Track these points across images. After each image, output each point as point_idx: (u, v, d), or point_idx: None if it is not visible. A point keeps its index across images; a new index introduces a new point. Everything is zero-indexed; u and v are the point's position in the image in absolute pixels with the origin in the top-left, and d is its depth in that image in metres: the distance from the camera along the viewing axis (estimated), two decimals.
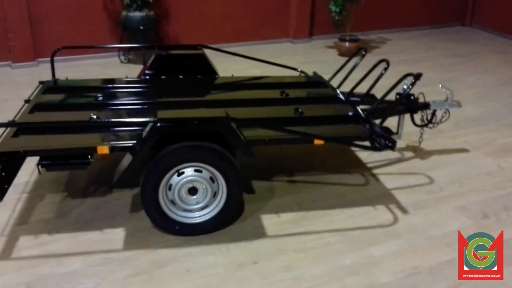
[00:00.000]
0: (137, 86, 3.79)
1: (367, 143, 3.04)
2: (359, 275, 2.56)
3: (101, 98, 3.48)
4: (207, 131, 2.66)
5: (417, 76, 3.67)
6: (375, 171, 3.65)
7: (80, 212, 3.05)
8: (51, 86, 3.74)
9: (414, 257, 2.70)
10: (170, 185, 2.72)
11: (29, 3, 6.14)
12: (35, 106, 3.32)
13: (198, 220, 2.82)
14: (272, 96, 3.65)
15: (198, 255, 2.67)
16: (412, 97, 3.69)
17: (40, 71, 6.21)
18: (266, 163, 3.73)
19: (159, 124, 2.54)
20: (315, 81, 4.07)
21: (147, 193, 2.67)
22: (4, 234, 2.82)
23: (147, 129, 2.61)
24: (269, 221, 3.00)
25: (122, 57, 6.59)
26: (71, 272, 2.52)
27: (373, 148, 3.00)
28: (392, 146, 2.94)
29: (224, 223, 2.88)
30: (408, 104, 3.67)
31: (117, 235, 2.83)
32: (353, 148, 3.86)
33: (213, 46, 7.16)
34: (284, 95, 3.68)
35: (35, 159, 2.67)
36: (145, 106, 3.41)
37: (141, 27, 6.19)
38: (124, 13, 6.30)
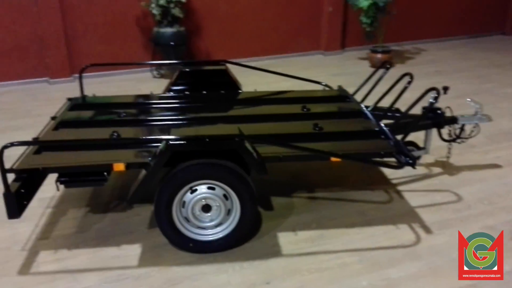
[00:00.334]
0: (160, 102, 3.84)
1: (386, 160, 2.94)
2: None
3: (123, 114, 3.55)
4: (219, 149, 2.64)
5: (444, 89, 3.57)
6: (400, 187, 3.54)
7: (100, 228, 3.09)
8: (77, 103, 3.83)
9: (433, 281, 2.58)
10: (184, 202, 2.72)
11: (65, 22, 6.37)
12: (60, 123, 3.40)
13: (212, 238, 2.80)
14: (292, 111, 3.61)
15: (211, 274, 2.65)
16: (439, 111, 3.57)
17: (76, 87, 6.34)
18: (287, 178, 3.69)
19: (170, 142, 2.55)
20: (339, 95, 4.01)
21: (160, 210, 2.68)
22: (25, 249, 2.89)
23: (161, 146, 2.62)
24: (285, 239, 2.95)
25: (155, 72, 6.72)
26: None
27: (391, 165, 2.90)
28: (412, 163, 2.84)
29: (239, 241, 2.85)
30: (434, 118, 3.56)
31: (133, 251, 2.85)
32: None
33: (243, 60, 7.30)
34: (305, 110, 3.63)
35: (56, 175, 2.74)
36: (166, 122, 3.43)
37: (172, 43, 6.29)
38: (155, 29, 6.44)
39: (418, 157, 3.79)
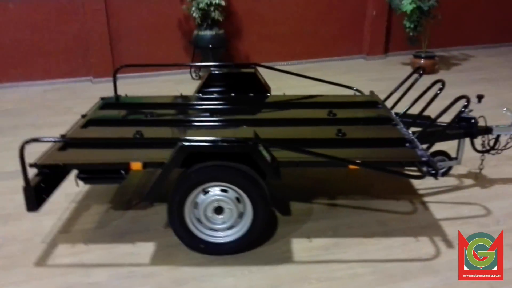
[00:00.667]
0: (188, 103, 3.89)
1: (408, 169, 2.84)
2: None
3: (150, 115, 3.61)
4: (233, 152, 2.63)
5: (479, 98, 3.42)
6: (426, 198, 3.41)
7: (118, 224, 3.16)
8: (109, 102, 3.94)
9: None
10: (196, 203, 2.72)
11: (110, 24, 6.57)
12: (89, 121, 3.51)
13: (223, 240, 2.79)
14: (318, 116, 3.56)
15: (218, 276, 2.64)
16: (472, 120, 3.41)
17: (118, 86, 6.58)
18: (309, 184, 3.63)
19: (183, 143, 2.57)
20: (369, 101, 3.91)
21: (173, 210, 2.70)
22: (45, 241, 2.98)
23: (176, 147, 2.64)
24: (299, 245, 2.90)
25: (193, 74, 6.80)
26: (95, 283, 2.61)
27: (411, 175, 2.79)
28: (435, 174, 2.73)
29: (250, 245, 2.82)
30: (466, 128, 3.40)
31: (146, 249, 2.89)
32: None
33: (283, 63, 7.28)
34: (331, 115, 3.57)
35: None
36: (190, 124, 3.47)
37: (210, 46, 6.35)
38: (195, 32, 6.52)
39: (450, 168, 3.66)
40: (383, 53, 7.77)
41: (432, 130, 3.26)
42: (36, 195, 2.65)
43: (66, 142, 3.06)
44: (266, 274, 2.66)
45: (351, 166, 2.77)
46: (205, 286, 2.57)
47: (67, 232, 3.08)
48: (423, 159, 2.80)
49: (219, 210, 2.75)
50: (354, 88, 4.20)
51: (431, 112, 3.37)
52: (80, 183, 2.80)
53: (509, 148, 3.48)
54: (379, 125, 3.43)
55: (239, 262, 2.75)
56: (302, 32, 7.42)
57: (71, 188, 3.32)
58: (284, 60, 7.44)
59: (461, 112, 3.12)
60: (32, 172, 2.68)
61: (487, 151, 3.51)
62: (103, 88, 6.38)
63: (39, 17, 6.38)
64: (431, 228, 3.05)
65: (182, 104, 3.87)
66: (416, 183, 3.60)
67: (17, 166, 2.52)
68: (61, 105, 5.76)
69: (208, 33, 6.39)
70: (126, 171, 2.80)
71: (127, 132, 3.25)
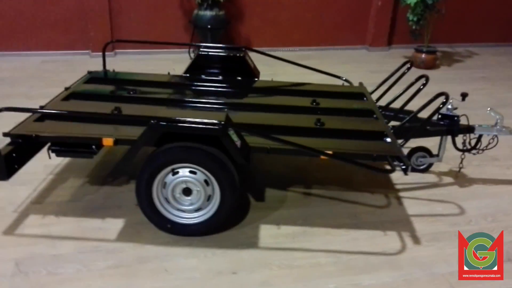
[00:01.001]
0: (172, 82, 3.88)
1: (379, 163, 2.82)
2: None
3: (132, 92, 3.61)
4: (200, 133, 2.62)
5: (463, 96, 3.38)
6: (402, 193, 3.39)
7: (92, 199, 3.18)
8: (95, 76, 3.94)
9: None
10: (165, 183, 2.73)
11: None
12: (71, 94, 3.51)
13: (190, 221, 2.80)
14: (300, 104, 3.54)
15: (182, 257, 2.66)
16: (455, 118, 3.38)
17: (115, 61, 6.58)
18: (288, 171, 3.63)
19: (152, 122, 2.57)
20: (355, 92, 3.88)
21: (141, 189, 2.71)
22: (17, 211, 3.01)
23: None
24: (267, 231, 2.91)
25: (192, 54, 6.77)
26: (60, 255, 2.63)
27: (380, 169, 2.77)
28: (405, 169, 2.70)
29: (217, 228, 2.83)
30: (448, 125, 3.37)
31: (115, 225, 2.91)
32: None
33: (284, 49, 7.23)
34: (314, 104, 3.54)
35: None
36: (170, 103, 3.47)
37: (209, 26, 6.31)
38: (196, 11, 6.48)
39: (430, 165, 3.64)
40: (386, 45, 7.69)
41: (412, 126, 3.23)
42: (7, 164, 2.66)
43: (44, 114, 3.07)
44: (228, 257, 2.67)
45: (322, 156, 2.76)
46: (166, 266, 2.59)
47: (40, 203, 3.11)
48: (395, 153, 2.78)
49: (187, 192, 2.76)
50: (343, 78, 4.16)
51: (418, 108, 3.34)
52: (50, 154, 2.81)
53: (490, 148, 3.44)
54: (360, 117, 3.41)
55: (204, 244, 2.77)
56: (305, 18, 7.35)
57: (51, 160, 3.36)
58: (285, 46, 7.39)
59: (438, 108, 3.08)
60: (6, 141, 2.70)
61: (468, 150, 3.48)
62: (101, 62, 6.38)
63: None
64: (401, 224, 3.04)
65: (167, 83, 3.86)
66: (395, 177, 3.58)
67: None
68: (56, 77, 5.77)
69: (208, 13, 6.35)
70: (98, 146, 2.81)
71: (107, 107, 3.24)
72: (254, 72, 4.03)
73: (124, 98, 3.53)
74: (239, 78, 3.95)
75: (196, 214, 2.81)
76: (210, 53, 4.04)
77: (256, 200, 3.23)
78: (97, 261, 2.60)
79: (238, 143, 2.65)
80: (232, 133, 2.63)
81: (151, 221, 2.82)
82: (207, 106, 3.46)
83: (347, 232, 2.93)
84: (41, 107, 3.21)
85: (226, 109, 3.42)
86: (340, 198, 3.29)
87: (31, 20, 6.48)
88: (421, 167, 3.66)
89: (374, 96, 3.78)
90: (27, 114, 3.00)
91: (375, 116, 3.39)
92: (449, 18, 7.22)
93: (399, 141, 2.99)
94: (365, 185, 3.46)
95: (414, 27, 6.56)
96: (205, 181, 2.72)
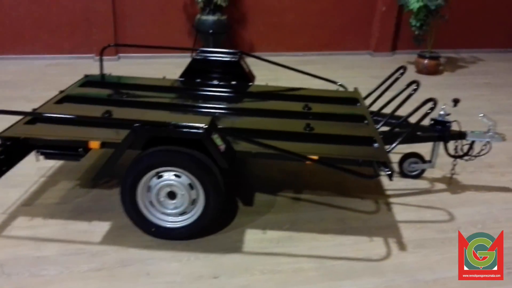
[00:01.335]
0: (167, 87, 3.90)
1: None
2: None
3: (125, 95, 3.64)
4: (183, 137, 2.63)
5: (455, 102, 3.36)
6: (392, 199, 3.37)
7: (81, 202, 3.20)
8: (91, 80, 3.98)
9: None
10: (149, 187, 2.74)
11: (115, 2, 6.60)
12: (65, 97, 3.55)
13: (175, 225, 2.81)
14: (291, 109, 3.53)
15: (164, 260, 2.67)
16: (447, 124, 3.36)
17: (118, 65, 6.66)
18: (278, 176, 3.62)
19: (135, 125, 2.58)
20: (349, 97, 3.86)
21: (125, 192, 2.73)
22: (7, 212, 3.05)
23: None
24: (252, 236, 2.91)
25: None
26: (43, 257, 2.66)
27: (363, 175, 2.76)
28: (390, 175, 2.68)
29: (201, 232, 2.83)
30: (440, 131, 3.35)
31: (101, 228, 2.93)
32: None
33: (287, 54, 7.22)
34: (306, 108, 3.54)
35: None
36: (161, 107, 3.49)
37: (211, 31, 6.34)
38: (198, 15, 6.51)
39: (423, 171, 3.62)
40: (390, 51, 7.65)
41: (401, 131, 3.20)
42: None
43: (35, 117, 3.11)
44: (211, 261, 2.67)
45: (308, 162, 2.75)
46: (148, 269, 2.60)
47: (29, 205, 3.14)
48: (381, 159, 2.76)
49: (172, 195, 2.76)
50: (338, 83, 4.16)
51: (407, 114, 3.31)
52: (37, 157, 2.84)
53: (483, 155, 3.40)
54: (351, 122, 3.39)
55: (188, 248, 2.77)
56: (308, 23, 7.35)
57: (44, 163, 3.39)
58: (288, 51, 7.40)
59: (426, 114, 3.06)
60: None
61: (460, 157, 3.45)
62: (105, 66, 6.44)
63: None
64: (388, 230, 3.01)
65: (161, 87, 3.88)
66: (386, 183, 3.55)
67: None
68: (59, 81, 5.78)
69: (210, 18, 6.38)
70: (84, 149, 2.84)
71: (99, 110, 3.27)
72: (249, 77, 4.04)
73: (116, 101, 3.56)
74: (234, 82, 3.96)
75: (180, 218, 2.81)
76: (205, 58, 4.06)
77: (244, 204, 3.23)
78: (79, 264, 2.62)
79: (222, 147, 2.65)
80: (216, 137, 2.63)
81: (135, 224, 2.84)
82: (198, 110, 3.48)
83: (332, 238, 2.91)
84: (34, 110, 3.25)
85: (217, 113, 3.43)
86: (329, 204, 3.28)
87: (37, 24, 6.58)
88: (414, 173, 3.65)
89: (371, 101, 3.76)
90: (20, 117, 3.04)
91: (366, 121, 3.37)
92: (454, 23, 7.17)
93: (387, 146, 2.97)
94: (356, 191, 3.44)
95: (417, 32, 6.52)
96: (190, 184, 2.72)
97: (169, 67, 6.55)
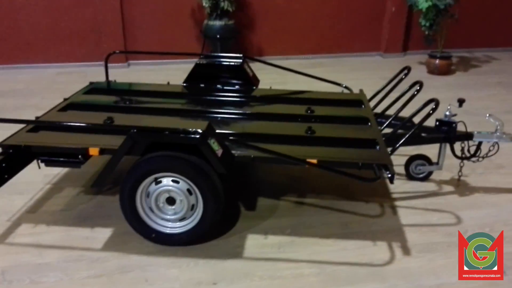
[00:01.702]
0: (170, 92, 3.90)
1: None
2: None
3: (128, 101, 3.65)
4: (179, 142, 2.62)
5: (460, 102, 3.29)
6: (398, 202, 3.31)
7: (84, 208, 3.21)
8: (96, 87, 4.01)
9: None
10: (148, 192, 2.74)
11: (124, 10, 6.67)
12: (69, 105, 3.58)
13: (175, 231, 2.80)
14: (294, 112, 3.50)
15: (164, 266, 2.65)
16: (453, 125, 3.29)
17: (128, 72, 6.72)
18: (282, 180, 3.59)
19: (132, 131, 2.58)
20: (353, 100, 3.82)
21: (124, 198, 2.73)
22: (11, 219, 3.07)
23: None
24: (253, 241, 2.88)
25: None
26: (44, 264, 2.67)
27: (363, 178, 2.71)
28: (390, 178, 2.63)
29: (201, 238, 2.82)
30: (446, 132, 3.28)
31: (103, 234, 2.93)
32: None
33: (296, 57, 7.19)
34: (309, 111, 3.50)
35: None
36: (164, 113, 3.48)
37: (218, 36, 6.34)
38: (205, 21, 6.53)
39: (430, 173, 3.55)
40: (401, 51, 7.57)
41: (405, 133, 3.15)
42: None
43: (37, 125, 3.14)
44: (211, 267, 2.65)
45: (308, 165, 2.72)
46: (147, 275, 2.59)
47: (33, 212, 3.16)
48: (381, 161, 2.71)
49: (171, 201, 2.75)
50: (344, 86, 4.11)
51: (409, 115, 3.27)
52: (39, 164, 2.86)
53: (490, 156, 3.33)
54: (354, 125, 3.35)
55: (188, 254, 2.75)
56: (317, 26, 7.32)
57: (50, 170, 3.43)
58: (299, 53, 7.38)
59: (428, 115, 3.00)
60: None
61: (467, 158, 3.37)
62: (114, 74, 6.45)
63: (55, 0, 6.54)
64: (393, 234, 2.95)
65: (165, 93, 3.88)
66: (392, 186, 3.49)
67: None
68: (69, 89, 5.79)
69: (217, 23, 6.39)
70: (84, 156, 2.85)
71: (102, 117, 3.28)
72: (253, 81, 4.02)
73: (120, 108, 3.57)
74: (237, 87, 3.95)
75: (180, 224, 2.80)
76: (208, 63, 4.06)
77: (246, 209, 3.21)
78: (80, 270, 2.62)
79: (219, 152, 2.63)
80: (213, 142, 2.61)
81: (135, 230, 2.83)
82: (200, 115, 3.47)
83: (335, 242, 2.87)
84: (37, 118, 3.28)
85: (219, 118, 3.42)
86: (332, 207, 3.23)
87: (48, 34, 6.67)
88: (420, 176, 3.58)
89: (376, 103, 3.72)
90: (23, 125, 3.07)
91: (369, 123, 3.32)
92: (467, 22, 7.08)
93: (389, 149, 2.92)
94: (361, 194, 3.39)
95: (427, 32, 6.43)
96: (188, 190, 2.71)
97: (178, 73, 6.53)
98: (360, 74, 6.62)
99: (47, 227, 3.00)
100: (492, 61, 7.32)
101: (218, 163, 2.61)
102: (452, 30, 6.59)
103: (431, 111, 3.00)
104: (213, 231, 2.85)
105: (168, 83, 4.16)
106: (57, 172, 3.67)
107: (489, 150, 3.32)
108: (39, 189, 3.44)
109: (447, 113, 3.33)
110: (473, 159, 3.37)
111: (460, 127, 3.30)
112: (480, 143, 3.33)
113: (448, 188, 3.51)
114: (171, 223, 2.80)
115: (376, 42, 7.56)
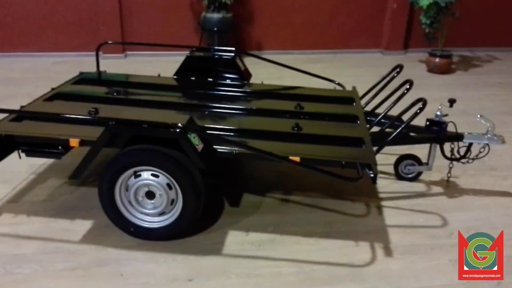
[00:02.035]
0: (160, 84, 3.86)
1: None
2: None
3: (116, 93, 3.61)
4: (157, 136, 2.57)
5: (450, 102, 3.23)
6: (384, 202, 3.25)
7: (66, 199, 3.18)
8: (85, 77, 3.96)
9: None
10: (128, 186, 2.70)
11: (121, 0, 6.60)
12: (56, 95, 3.54)
13: (154, 225, 2.76)
14: (282, 108, 3.44)
15: (141, 261, 2.62)
16: (443, 125, 3.24)
17: (125, 63, 6.69)
18: (269, 176, 3.55)
19: (110, 123, 2.54)
20: (345, 97, 3.76)
21: (103, 190, 2.69)
22: None
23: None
24: (234, 238, 2.84)
25: None
26: (21, 254, 2.64)
27: (345, 177, 2.66)
28: (373, 177, 2.58)
29: (181, 233, 2.78)
30: (436, 133, 3.23)
31: (83, 227, 2.90)
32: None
33: (296, 52, 7.12)
34: (297, 108, 3.45)
35: None
36: (149, 105, 3.44)
37: (215, 29, 6.29)
38: (203, 13, 6.47)
39: (419, 173, 3.50)
40: (402, 49, 7.49)
41: (392, 132, 3.09)
42: None
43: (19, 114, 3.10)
44: (188, 263, 2.61)
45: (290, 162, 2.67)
46: (123, 270, 2.55)
47: (15, 202, 3.13)
48: (365, 160, 2.66)
49: (151, 195, 2.71)
50: (336, 82, 4.06)
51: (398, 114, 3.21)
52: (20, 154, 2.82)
53: (480, 158, 3.27)
54: (343, 122, 3.30)
55: (167, 249, 2.72)
56: (317, 21, 7.24)
57: (36, 160, 3.39)
58: (298, 48, 7.31)
59: (415, 114, 2.95)
60: None
61: (457, 159, 3.32)
62: (111, 64, 6.40)
63: None
64: (376, 234, 2.91)
65: (154, 85, 3.84)
66: (380, 185, 3.44)
67: None
68: (64, 78, 5.69)
69: (215, 15, 6.33)
70: (65, 147, 2.81)
71: (88, 108, 3.24)
72: (244, 75, 3.97)
73: (106, 99, 3.52)
74: (228, 81, 3.89)
75: (159, 218, 2.76)
76: (199, 56, 4.01)
77: (230, 205, 3.16)
78: (55, 262, 2.59)
79: (199, 147, 2.59)
80: (193, 137, 2.57)
81: (114, 223, 2.79)
82: (187, 108, 3.42)
83: (316, 241, 2.82)
84: (22, 107, 3.24)
85: (206, 112, 3.38)
86: (317, 206, 3.19)
87: (44, 22, 6.63)
88: (409, 176, 3.53)
89: (367, 101, 3.66)
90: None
91: (358, 121, 3.27)
92: (468, 21, 6.98)
93: (374, 148, 2.87)
94: (347, 193, 3.34)
95: (427, 30, 6.35)
96: (168, 184, 2.67)
97: (175, 65, 6.41)
98: (359, 71, 6.55)
99: (27, 218, 2.97)
100: (494, 61, 7.23)
101: (197, 158, 2.56)
102: (454, 29, 6.51)
103: (418, 111, 2.94)
104: (193, 226, 2.81)
105: (159, 75, 4.11)
106: (43, 162, 3.63)
107: (480, 152, 3.26)
108: (23, 179, 3.41)
109: (438, 113, 3.27)
110: (463, 160, 3.31)
111: (452, 128, 3.24)
112: (470, 145, 3.27)
113: (436, 189, 3.45)
114: (150, 217, 2.77)
115: (377, 39, 7.48)
